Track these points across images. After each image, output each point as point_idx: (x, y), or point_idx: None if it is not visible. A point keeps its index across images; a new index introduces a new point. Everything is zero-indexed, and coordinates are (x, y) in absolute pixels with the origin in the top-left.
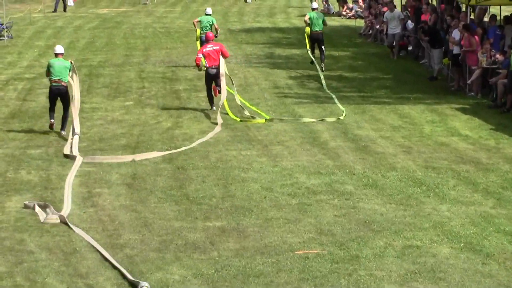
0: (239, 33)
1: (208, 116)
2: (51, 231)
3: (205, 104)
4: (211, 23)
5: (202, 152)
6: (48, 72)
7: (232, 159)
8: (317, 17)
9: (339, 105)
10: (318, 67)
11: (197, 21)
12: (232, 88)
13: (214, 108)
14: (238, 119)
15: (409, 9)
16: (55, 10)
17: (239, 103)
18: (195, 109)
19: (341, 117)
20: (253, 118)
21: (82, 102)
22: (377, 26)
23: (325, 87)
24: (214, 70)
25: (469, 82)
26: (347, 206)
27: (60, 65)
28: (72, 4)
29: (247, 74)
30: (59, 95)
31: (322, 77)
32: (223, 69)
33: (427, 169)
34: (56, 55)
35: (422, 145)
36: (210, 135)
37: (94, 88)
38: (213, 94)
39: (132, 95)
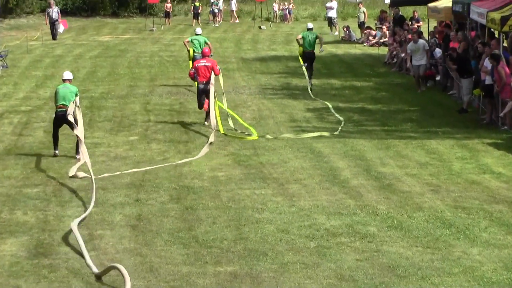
0: (253, 61)
1: (219, 152)
2: (49, 276)
3: (215, 138)
4: (205, 42)
5: (212, 191)
6: (55, 100)
7: (245, 198)
8: (311, 36)
9: (338, 116)
10: (308, 84)
11: (187, 42)
12: (222, 102)
13: (206, 123)
14: (231, 135)
15: (437, 36)
16: (53, 37)
17: (230, 118)
18: (204, 145)
19: (336, 132)
20: (248, 135)
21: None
22: (402, 55)
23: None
24: (203, 86)
25: (501, 114)
26: (369, 249)
27: (65, 90)
28: (61, 31)
29: (261, 106)
30: (63, 120)
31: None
32: (212, 86)
33: (456, 209)
34: (64, 80)
35: (451, 184)
36: (202, 153)
37: (95, 122)
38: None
39: (137, 129)
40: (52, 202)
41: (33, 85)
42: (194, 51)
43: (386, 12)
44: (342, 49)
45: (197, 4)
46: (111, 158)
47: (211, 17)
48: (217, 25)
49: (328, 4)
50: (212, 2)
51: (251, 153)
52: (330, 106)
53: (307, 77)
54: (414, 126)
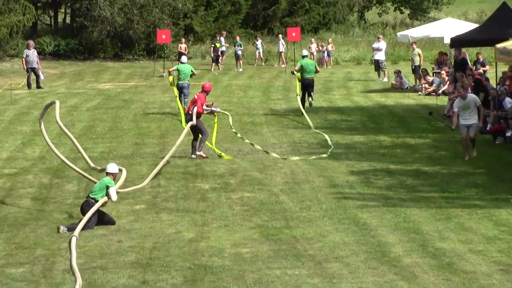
0: (284, 114)
1: (243, 224)
2: None
3: (238, 207)
4: (192, 71)
5: (235, 272)
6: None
7: (275, 280)
8: (309, 64)
9: (328, 140)
10: (309, 121)
11: (173, 70)
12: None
13: (193, 156)
14: (225, 154)
15: (508, 84)
16: (29, 86)
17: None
18: (226, 216)
19: (326, 154)
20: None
21: (78, 205)
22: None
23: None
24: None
25: None
26: None
27: (97, 184)
28: (43, 77)
29: (295, 168)
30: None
31: (308, 119)
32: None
33: None
34: (107, 174)
35: None
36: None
37: None
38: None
39: (144, 196)
40: (41, 284)
41: (19, 142)
42: (179, 79)
43: (445, 54)
44: (392, 99)
45: (218, 45)
46: (112, 231)
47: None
48: (240, 69)
49: (375, 45)
50: (235, 43)
51: (282, 225)
52: (328, 138)
53: (302, 110)
54: (480, 192)
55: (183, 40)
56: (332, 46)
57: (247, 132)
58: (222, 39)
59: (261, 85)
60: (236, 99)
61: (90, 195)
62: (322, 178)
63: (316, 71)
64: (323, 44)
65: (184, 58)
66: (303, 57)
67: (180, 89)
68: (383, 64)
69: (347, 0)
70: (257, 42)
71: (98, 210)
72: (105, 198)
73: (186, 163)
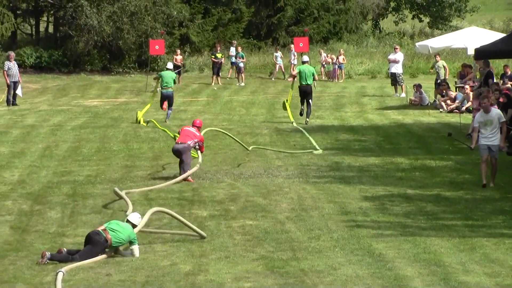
0: (291, 133)
1: (246, 256)
2: None
3: (240, 237)
4: (173, 79)
5: None
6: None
7: None
8: (307, 70)
9: (313, 142)
10: (290, 115)
11: (156, 78)
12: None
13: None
14: None
15: None
16: (9, 103)
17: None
18: (226, 246)
19: (316, 152)
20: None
21: (62, 234)
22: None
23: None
24: (178, 146)
25: None
26: None
27: (124, 229)
28: (21, 94)
29: (302, 193)
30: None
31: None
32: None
33: None
34: (127, 221)
35: None
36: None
37: (79, 215)
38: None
39: None
40: None
41: None
42: (162, 87)
43: (469, 67)
44: (410, 117)
45: (219, 55)
46: (101, 263)
47: (233, 73)
48: (242, 84)
49: (391, 56)
50: (237, 54)
51: (289, 256)
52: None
53: (306, 134)
54: (508, 219)
55: (179, 51)
56: (343, 58)
57: (249, 154)
58: (233, 49)
59: (265, 101)
60: (238, 117)
61: (108, 228)
62: (333, 204)
63: (314, 79)
64: (334, 55)
65: (169, 65)
66: (303, 62)
67: (165, 98)
68: (400, 77)
69: (360, 7)
70: (276, 54)
71: (92, 241)
72: (105, 256)
73: (181, 188)
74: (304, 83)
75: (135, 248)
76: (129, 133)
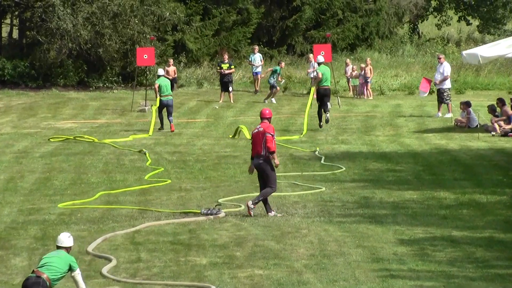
0: (310, 161)
1: None
2: None
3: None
4: (169, 85)
5: None
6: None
7: None
8: (327, 71)
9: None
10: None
11: (157, 87)
12: None
13: (270, 214)
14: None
15: None
16: None
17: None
18: None
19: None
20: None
21: None
22: None
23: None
24: (260, 161)
25: None
26: None
27: (54, 258)
28: None
29: (323, 235)
30: None
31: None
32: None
33: None
34: (58, 247)
35: None
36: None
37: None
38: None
39: (120, 274)
40: None
41: None
42: (162, 96)
43: None
44: (456, 142)
45: (224, 66)
46: None
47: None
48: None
49: (440, 69)
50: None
51: None
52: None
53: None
54: None
55: (171, 61)
56: (370, 70)
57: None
58: (257, 56)
59: (278, 122)
60: (244, 142)
61: (38, 268)
62: (361, 249)
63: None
64: (362, 65)
65: (160, 71)
66: (319, 64)
67: (165, 106)
68: (446, 93)
69: (395, 7)
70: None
71: None
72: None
73: (175, 229)
74: (325, 85)
75: (77, 274)
76: (110, 161)
